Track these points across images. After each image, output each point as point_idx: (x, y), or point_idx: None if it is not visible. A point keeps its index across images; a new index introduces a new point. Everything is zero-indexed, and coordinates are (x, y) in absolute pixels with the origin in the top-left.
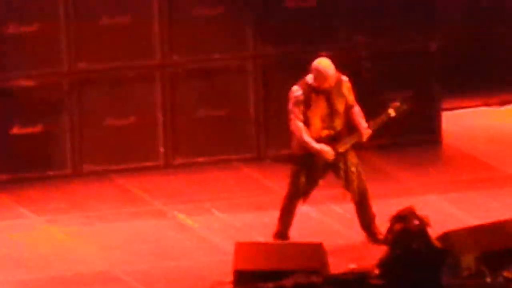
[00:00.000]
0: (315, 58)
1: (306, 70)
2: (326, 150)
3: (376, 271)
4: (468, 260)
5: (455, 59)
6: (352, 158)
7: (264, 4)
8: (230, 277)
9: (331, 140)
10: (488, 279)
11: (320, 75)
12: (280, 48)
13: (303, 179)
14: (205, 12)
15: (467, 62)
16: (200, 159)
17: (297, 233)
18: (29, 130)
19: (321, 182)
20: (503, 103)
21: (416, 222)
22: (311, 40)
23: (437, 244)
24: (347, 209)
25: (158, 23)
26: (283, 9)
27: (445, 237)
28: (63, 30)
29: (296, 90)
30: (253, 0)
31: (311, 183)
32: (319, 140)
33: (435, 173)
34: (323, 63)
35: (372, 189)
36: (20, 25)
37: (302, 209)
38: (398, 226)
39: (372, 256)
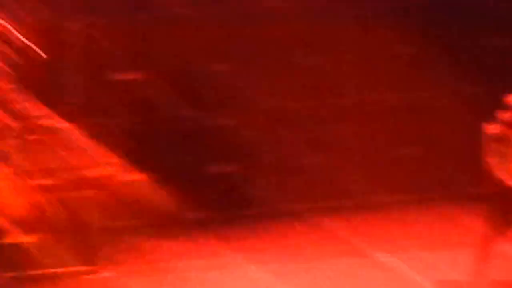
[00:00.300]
0: None
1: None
2: None
3: None
4: None
5: None
6: None
7: None
8: None
9: None
10: None
11: None
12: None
13: (500, 217)
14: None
15: None
16: (399, 197)
17: (496, 272)
18: (227, 168)
19: None
20: None
21: None
22: None
23: None
24: None
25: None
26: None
27: None
28: (256, 69)
29: (494, 127)
30: None
31: (510, 222)
32: None
33: None
34: None
35: None
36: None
37: (502, 248)
38: None
39: None
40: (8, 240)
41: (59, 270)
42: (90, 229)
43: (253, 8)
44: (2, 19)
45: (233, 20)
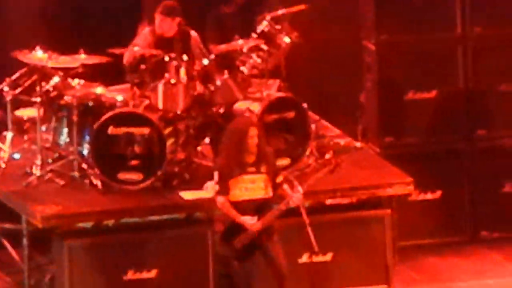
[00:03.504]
0: None
1: None
2: None
3: None
4: None
5: None
6: None
7: None
8: None
9: None
10: None
11: None
12: None
13: None
14: None
15: None
16: None
17: None
18: None
19: None
20: None
21: None
22: None
23: None
24: None
25: None
26: None
27: None
28: None
29: None
30: None
31: None
32: None
33: None
34: None
35: None
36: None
37: None
38: None
39: None
40: (306, 260)
41: None
42: (384, 248)
43: None
44: (295, 35)
45: None
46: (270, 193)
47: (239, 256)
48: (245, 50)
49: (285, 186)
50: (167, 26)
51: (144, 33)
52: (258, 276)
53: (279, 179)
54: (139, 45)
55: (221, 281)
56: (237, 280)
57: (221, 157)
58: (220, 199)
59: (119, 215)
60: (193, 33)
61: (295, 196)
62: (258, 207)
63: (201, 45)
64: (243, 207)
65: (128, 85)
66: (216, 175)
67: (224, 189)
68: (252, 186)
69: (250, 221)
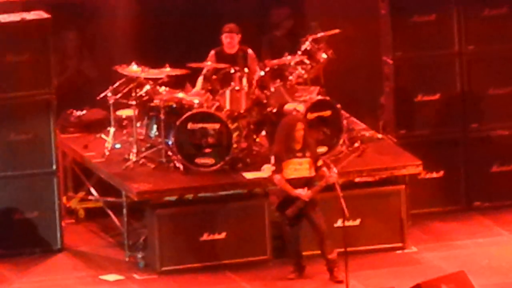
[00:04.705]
0: None
1: None
2: None
3: None
4: None
5: None
6: None
7: None
8: None
9: None
10: None
11: None
12: None
13: None
14: None
15: None
16: None
17: None
18: (507, 167)
19: None
20: None
21: None
22: None
23: None
24: None
25: None
26: None
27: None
28: None
29: None
30: None
31: None
32: None
33: None
34: None
35: None
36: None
37: None
38: None
39: None
40: (339, 224)
41: (376, 246)
42: (400, 216)
43: None
44: (331, 52)
45: None
46: (313, 173)
47: (290, 222)
48: (292, 64)
49: (324, 168)
50: (231, 42)
51: (213, 53)
52: (304, 237)
53: (320, 162)
54: (211, 61)
55: (275, 242)
56: (288, 241)
57: (275, 145)
58: (277, 177)
59: (196, 191)
60: (250, 51)
61: (332, 175)
62: (304, 184)
63: (257, 60)
64: (293, 183)
65: (203, 91)
66: (272, 158)
67: (279, 169)
68: (299, 167)
69: (303, 192)
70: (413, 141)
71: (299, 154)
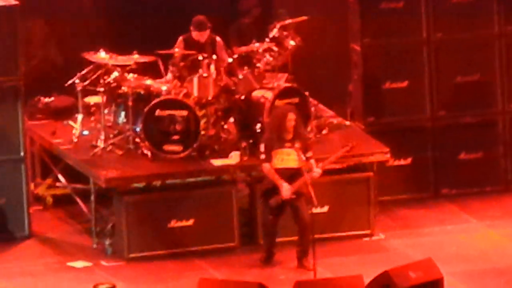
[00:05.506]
0: None
1: None
2: None
3: None
4: None
5: None
6: None
7: None
8: None
9: None
10: None
11: None
12: None
13: None
14: None
15: None
16: None
17: None
18: (474, 155)
19: None
20: None
21: None
22: None
23: None
24: None
25: None
26: None
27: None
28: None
29: None
30: None
31: None
32: None
33: None
34: None
35: None
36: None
37: None
38: None
39: None
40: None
41: (344, 233)
42: (368, 203)
43: None
44: (299, 39)
45: None
46: (300, 164)
47: (273, 212)
48: (260, 51)
49: (312, 161)
50: (199, 36)
51: (181, 39)
52: (285, 226)
53: (309, 154)
54: (179, 48)
55: (242, 229)
56: (266, 229)
57: (266, 133)
58: (266, 166)
59: (164, 178)
60: (218, 38)
61: (316, 171)
62: (289, 175)
63: (225, 47)
64: (280, 173)
65: (170, 78)
66: (262, 146)
67: (268, 158)
68: (287, 158)
69: (285, 187)
70: (381, 129)
71: (288, 144)
